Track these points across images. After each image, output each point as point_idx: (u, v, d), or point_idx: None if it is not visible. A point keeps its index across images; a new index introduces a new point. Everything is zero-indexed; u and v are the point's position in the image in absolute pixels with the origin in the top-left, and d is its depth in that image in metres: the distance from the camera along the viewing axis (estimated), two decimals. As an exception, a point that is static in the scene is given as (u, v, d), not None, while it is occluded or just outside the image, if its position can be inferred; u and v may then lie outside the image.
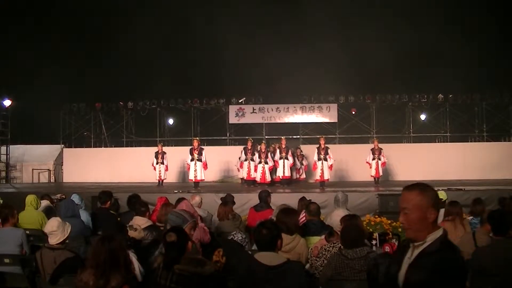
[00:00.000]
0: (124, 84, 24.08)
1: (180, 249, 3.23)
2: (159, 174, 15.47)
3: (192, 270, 3.07)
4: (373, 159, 15.23)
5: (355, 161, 16.87)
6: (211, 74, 25.20)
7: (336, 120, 20.08)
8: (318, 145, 14.47)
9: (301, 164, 16.50)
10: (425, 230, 2.29)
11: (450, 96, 19.63)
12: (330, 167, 14.21)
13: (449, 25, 22.99)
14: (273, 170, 14.83)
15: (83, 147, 21.49)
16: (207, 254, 4.11)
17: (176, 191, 11.55)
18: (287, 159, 14.74)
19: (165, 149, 16.34)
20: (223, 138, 21.12)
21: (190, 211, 5.30)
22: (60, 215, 5.23)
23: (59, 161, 20.39)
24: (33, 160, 20.30)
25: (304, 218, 5.78)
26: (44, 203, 7.06)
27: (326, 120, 20.11)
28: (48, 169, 20.07)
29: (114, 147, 21.59)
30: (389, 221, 9.11)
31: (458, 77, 21.26)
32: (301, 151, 16.90)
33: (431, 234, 2.28)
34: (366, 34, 22.25)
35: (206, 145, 18.07)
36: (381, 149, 15.40)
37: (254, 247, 3.79)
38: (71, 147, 21.19)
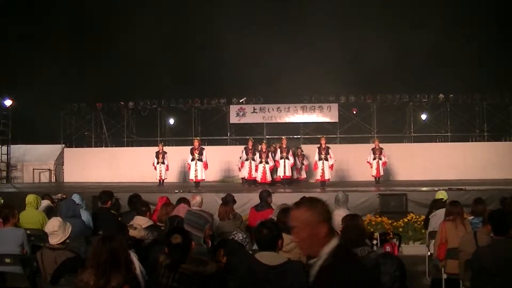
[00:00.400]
0: (125, 84, 24.09)
1: (185, 250, 3.24)
2: (160, 174, 15.46)
3: (194, 270, 3.07)
4: (374, 159, 15.23)
5: (356, 161, 16.86)
6: (212, 74, 25.19)
7: (336, 120, 20.07)
8: (318, 145, 14.46)
9: (302, 164, 16.49)
10: (318, 245, 2.22)
11: (451, 96, 19.63)
12: (331, 167, 14.20)
13: (449, 25, 22.97)
14: (273, 170, 14.83)
15: (83, 147, 21.50)
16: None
17: (176, 191, 11.54)
18: (288, 159, 14.73)
19: (165, 149, 16.33)
20: (224, 138, 21.12)
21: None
22: (61, 215, 5.23)
23: (59, 161, 20.40)
24: (33, 160, 20.31)
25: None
26: (45, 203, 7.06)
27: (327, 120, 20.11)
28: (49, 169, 20.07)
29: (115, 147, 21.58)
30: (390, 221, 9.11)
31: (459, 77, 21.26)
32: (302, 151, 16.89)
33: (325, 248, 2.21)
34: (366, 34, 22.24)
35: (207, 145, 18.07)
36: (382, 149, 15.40)
37: (255, 247, 3.79)
38: (72, 147, 21.19)
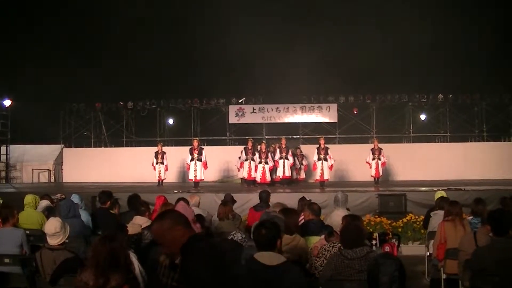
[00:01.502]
0: (124, 84, 24.06)
1: None
2: (159, 174, 15.44)
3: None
4: (373, 159, 15.21)
5: (355, 161, 16.85)
6: (211, 74, 25.17)
7: (336, 120, 20.07)
8: (318, 145, 14.48)
9: (301, 164, 16.49)
10: (180, 245, 2.60)
11: (450, 96, 19.63)
12: (330, 167, 14.22)
13: (449, 25, 22.97)
14: (273, 170, 14.83)
15: (83, 147, 21.48)
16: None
17: (176, 191, 11.53)
18: (287, 159, 14.74)
19: (165, 149, 16.31)
20: (223, 138, 21.11)
21: (186, 212, 5.30)
22: (60, 215, 5.23)
23: (59, 161, 20.39)
24: (33, 160, 20.30)
25: (303, 219, 5.77)
26: (44, 203, 7.05)
27: (326, 120, 20.11)
28: (48, 169, 20.07)
29: (114, 147, 21.58)
30: (389, 221, 9.11)
31: (458, 77, 21.25)
32: (301, 151, 16.89)
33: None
34: (367, 34, 22.24)
35: (206, 145, 18.05)
36: (381, 149, 15.39)
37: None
38: (71, 147, 21.18)
